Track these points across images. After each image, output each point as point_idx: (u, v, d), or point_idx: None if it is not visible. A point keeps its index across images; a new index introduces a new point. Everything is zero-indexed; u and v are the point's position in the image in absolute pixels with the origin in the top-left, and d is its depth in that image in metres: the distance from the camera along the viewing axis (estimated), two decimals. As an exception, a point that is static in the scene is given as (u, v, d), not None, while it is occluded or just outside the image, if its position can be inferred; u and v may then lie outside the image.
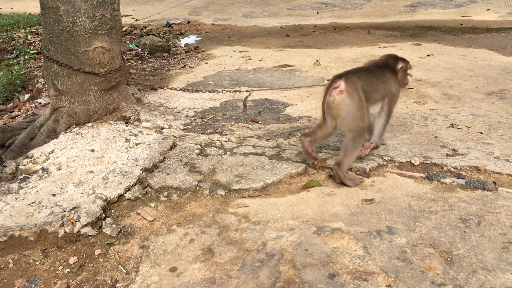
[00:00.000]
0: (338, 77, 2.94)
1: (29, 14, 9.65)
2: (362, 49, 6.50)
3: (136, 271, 2.31)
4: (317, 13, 9.56)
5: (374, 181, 3.02)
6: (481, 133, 3.68)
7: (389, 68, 3.26)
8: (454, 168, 3.13)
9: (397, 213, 2.67)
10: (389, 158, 3.27)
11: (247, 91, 3.86)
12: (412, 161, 3.21)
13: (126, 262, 2.38)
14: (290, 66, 5.74)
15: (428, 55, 6.06)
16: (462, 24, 7.95)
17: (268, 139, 3.69)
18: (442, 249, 2.37)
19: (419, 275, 2.20)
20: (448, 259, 2.30)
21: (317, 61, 5.87)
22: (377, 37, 7.27)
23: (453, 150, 3.41)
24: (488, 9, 8.98)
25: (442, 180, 3.00)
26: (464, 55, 6.03)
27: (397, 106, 4.26)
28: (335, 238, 2.48)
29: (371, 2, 10.37)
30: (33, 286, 2.25)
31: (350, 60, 5.94)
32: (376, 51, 6.30)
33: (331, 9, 9.88)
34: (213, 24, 8.94)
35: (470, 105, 4.29)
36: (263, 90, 4.83)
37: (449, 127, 3.81)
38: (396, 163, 3.23)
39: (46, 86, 5.14)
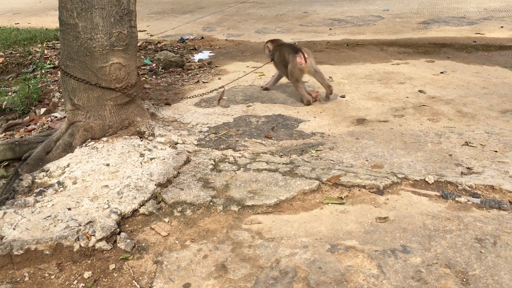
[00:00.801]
0: (299, 51, 4.85)
1: (46, 29, 9.84)
2: (375, 66, 6.51)
3: (150, 287, 2.31)
4: (330, 29, 9.61)
5: (388, 199, 3.01)
6: (496, 151, 3.65)
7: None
8: (469, 187, 3.11)
9: (412, 232, 2.65)
10: (403, 176, 3.26)
11: (221, 87, 4.91)
12: (427, 179, 3.19)
13: (140, 277, 2.39)
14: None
15: (442, 72, 6.05)
16: (475, 42, 7.94)
17: (282, 155, 3.70)
18: (457, 269, 2.34)
19: (435, 295, 2.17)
20: (464, 280, 2.27)
21: (330, 77, 5.88)
22: (390, 53, 7.28)
23: (468, 168, 3.39)
24: (501, 27, 8.95)
25: (457, 199, 2.98)
26: (478, 72, 6.01)
27: (410, 124, 4.28)
28: (349, 256, 2.47)
29: (384, 19, 10.41)
30: (48, 300, 2.27)
31: (363, 77, 5.95)
32: (389, 68, 6.31)
33: (343, 26, 9.93)
34: (226, 39, 9.02)
35: (485, 123, 4.26)
36: (276, 105, 4.86)
37: (463, 145, 3.79)
38: (410, 181, 3.21)
39: (62, 100, 5.22)
